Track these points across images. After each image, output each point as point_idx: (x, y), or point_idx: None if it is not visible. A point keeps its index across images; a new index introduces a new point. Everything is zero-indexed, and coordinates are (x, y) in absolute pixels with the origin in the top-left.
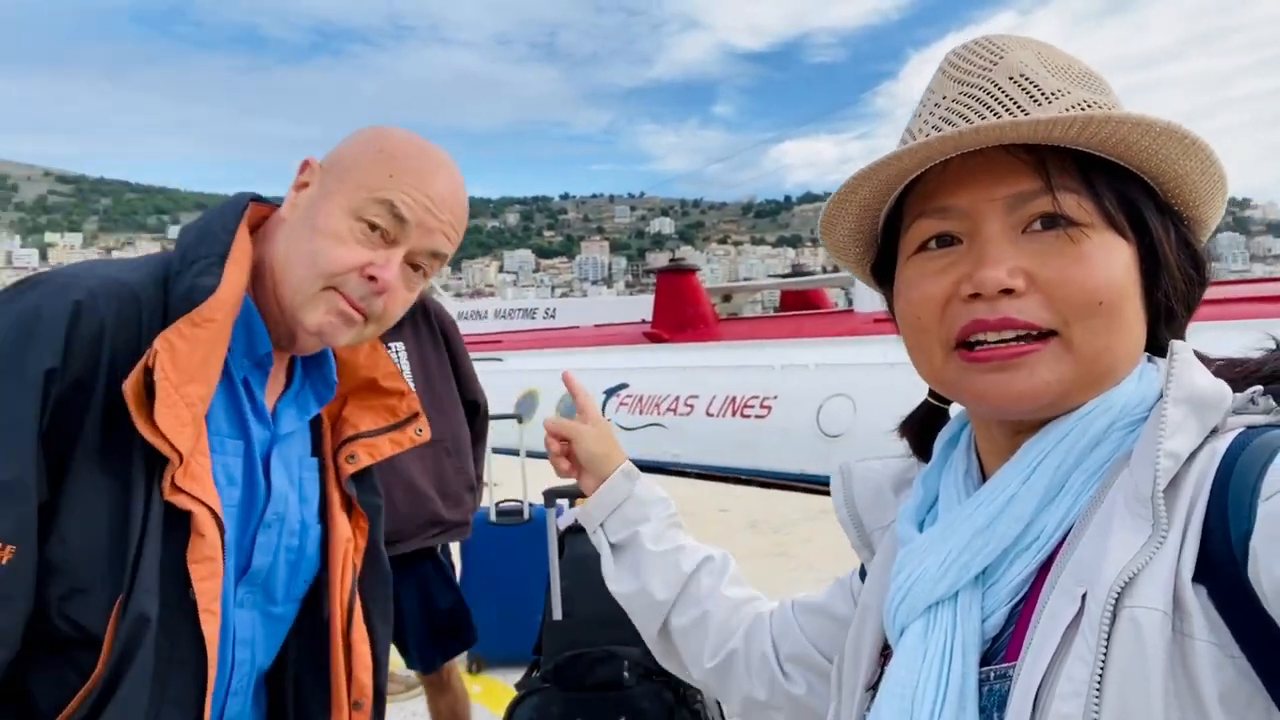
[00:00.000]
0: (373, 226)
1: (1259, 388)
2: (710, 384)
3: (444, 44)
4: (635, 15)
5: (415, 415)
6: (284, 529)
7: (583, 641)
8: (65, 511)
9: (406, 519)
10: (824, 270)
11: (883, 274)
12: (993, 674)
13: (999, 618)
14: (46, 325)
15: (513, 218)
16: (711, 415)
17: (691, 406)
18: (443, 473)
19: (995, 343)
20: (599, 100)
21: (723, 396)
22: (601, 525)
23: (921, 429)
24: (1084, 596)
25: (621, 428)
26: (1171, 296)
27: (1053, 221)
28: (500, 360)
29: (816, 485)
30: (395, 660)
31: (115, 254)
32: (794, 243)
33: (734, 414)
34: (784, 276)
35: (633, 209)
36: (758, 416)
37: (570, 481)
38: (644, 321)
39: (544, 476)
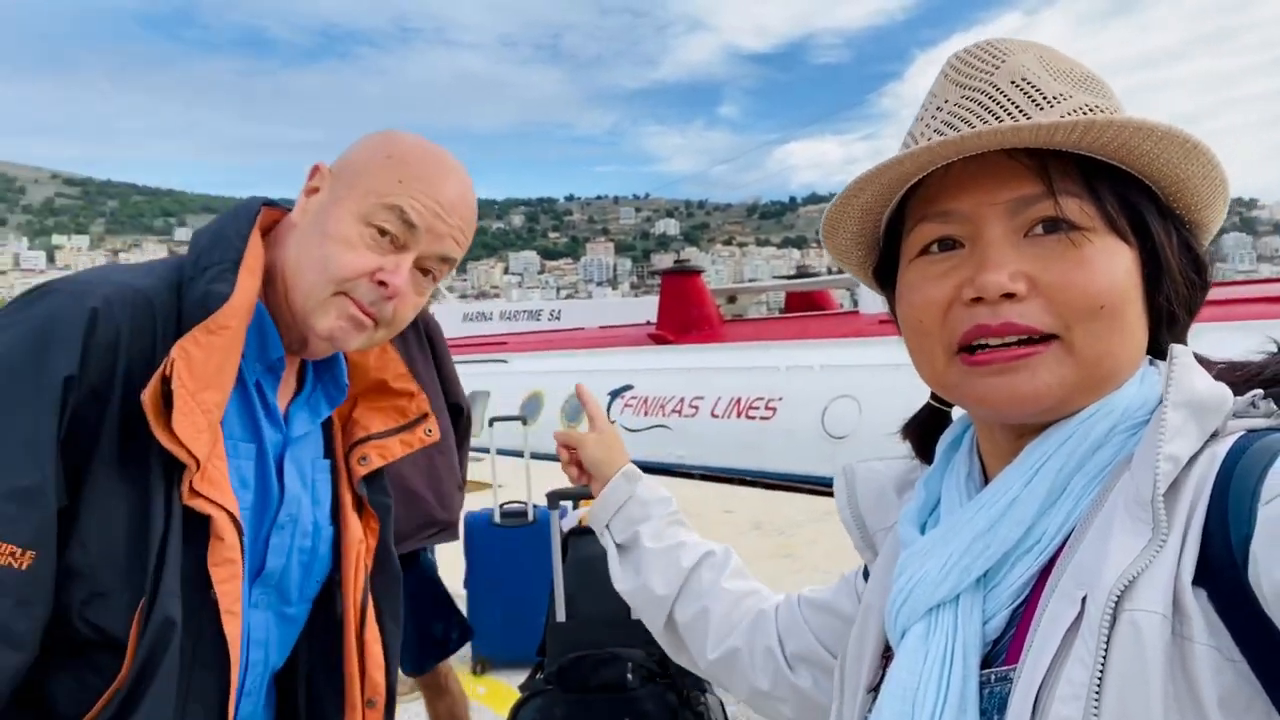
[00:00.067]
0: (382, 232)
1: (1259, 391)
2: (715, 385)
3: (449, 46)
4: (640, 17)
5: (425, 416)
6: (297, 530)
7: (586, 643)
8: (85, 517)
9: (402, 520)
10: (829, 271)
11: (885, 277)
12: (994, 676)
13: (1000, 620)
14: (64, 332)
15: (518, 219)
16: (716, 417)
17: (696, 408)
18: (435, 473)
19: (997, 346)
20: (604, 102)
21: (728, 398)
22: (607, 527)
23: (924, 431)
24: (1084, 599)
25: (626, 429)
26: (1173, 300)
27: (1054, 225)
28: (505, 362)
29: (821, 486)
30: None
31: (122, 256)
32: (799, 244)
33: (739, 415)
34: (789, 278)
35: (638, 210)
36: (763, 418)
37: (572, 484)
38: (649, 323)
39: (548, 478)
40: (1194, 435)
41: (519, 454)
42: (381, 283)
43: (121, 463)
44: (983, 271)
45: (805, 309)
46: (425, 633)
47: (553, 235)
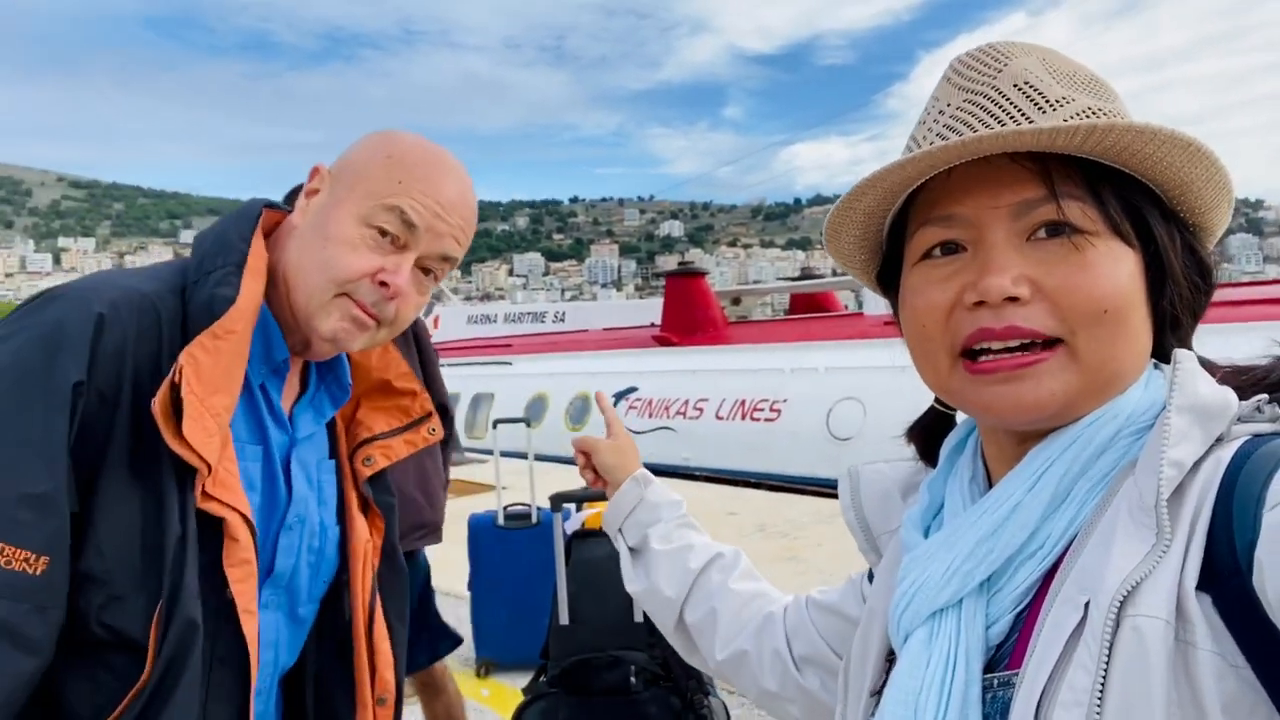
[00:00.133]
0: (383, 232)
1: (1265, 396)
2: (720, 387)
3: (453, 48)
4: (644, 18)
5: (428, 415)
6: (305, 531)
7: (589, 646)
8: (100, 523)
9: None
10: (834, 273)
11: (889, 281)
12: (996, 681)
13: (1003, 625)
14: (71, 338)
15: (522, 221)
16: (721, 418)
17: (701, 410)
18: (425, 474)
19: (1000, 351)
20: (608, 103)
21: (732, 400)
22: (620, 530)
23: (928, 434)
24: (1087, 605)
25: (631, 431)
26: (1177, 304)
27: (1057, 229)
28: (510, 364)
29: (826, 489)
30: None
31: (128, 258)
32: (804, 245)
33: (743, 417)
34: (793, 279)
35: (642, 212)
36: (767, 419)
37: (575, 487)
38: (653, 325)
39: (552, 480)
40: (1198, 440)
41: (523, 456)
42: (383, 283)
43: (132, 467)
44: (985, 275)
45: (810, 311)
46: (419, 633)
47: (557, 237)
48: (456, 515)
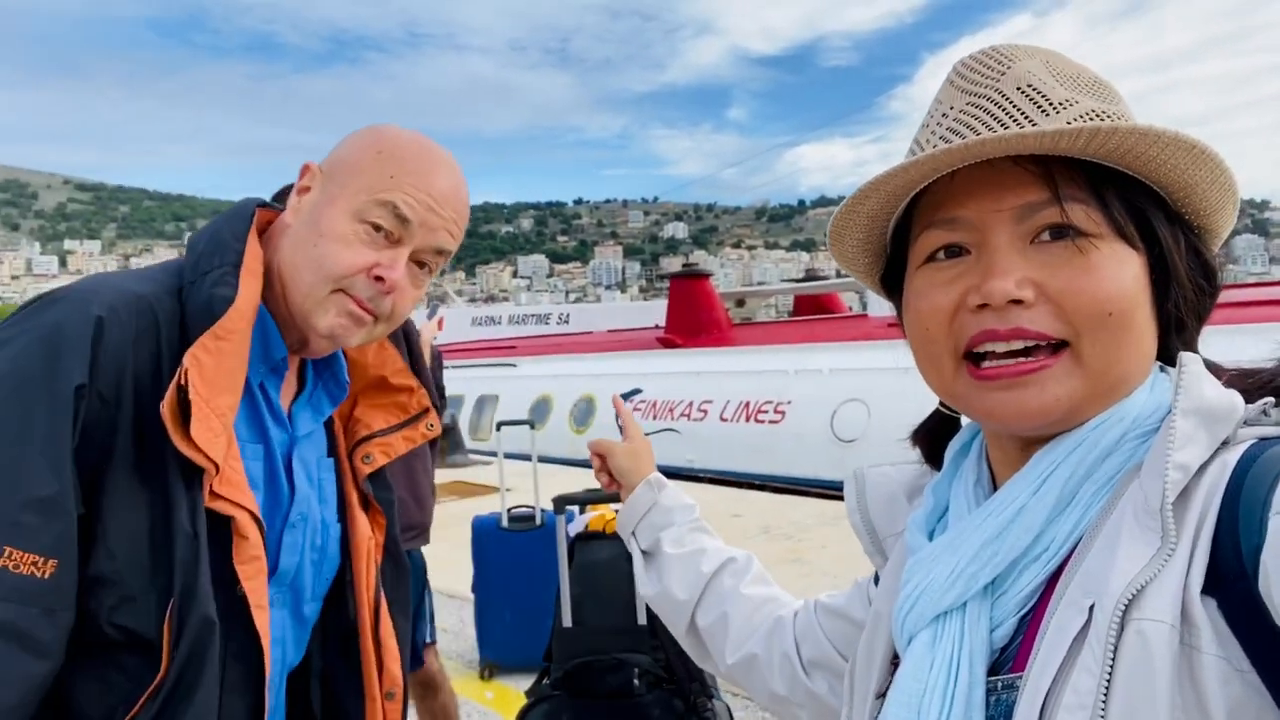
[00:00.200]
0: (376, 228)
1: (1270, 399)
2: (724, 389)
3: (458, 50)
4: (649, 20)
5: (426, 410)
6: (308, 529)
7: (592, 649)
8: (109, 525)
9: None
10: (838, 275)
11: (892, 284)
12: (1000, 684)
13: (1008, 628)
14: (71, 341)
15: (526, 223)
16: (725, 420)
17: (705, 412)
18: (414, 476)
19: (1004, 354)
20: (612, 105)
21: (736, 401)
22: (633, 533)
23: (933, 437)
24: (1091, 608)
25: None
26: (1182, 307)
27: (1061, 232)
28: (514, 366)
29: (830, 490)
30: None
31: (134, 261)
32: (808, 247)
33: (748, 419)
34: (798, 281)
35: (646, 214)
36: (771, 421)
37: (579, 489)
38: (657, 327)
39: (556, 482)
40: (1204, 443)
41: (527, 458)
42: (379, 278)
43: (138, 469)
44: (989, 278)
45: (814, 312)
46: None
47: (561, 239)
48: (460, 517)
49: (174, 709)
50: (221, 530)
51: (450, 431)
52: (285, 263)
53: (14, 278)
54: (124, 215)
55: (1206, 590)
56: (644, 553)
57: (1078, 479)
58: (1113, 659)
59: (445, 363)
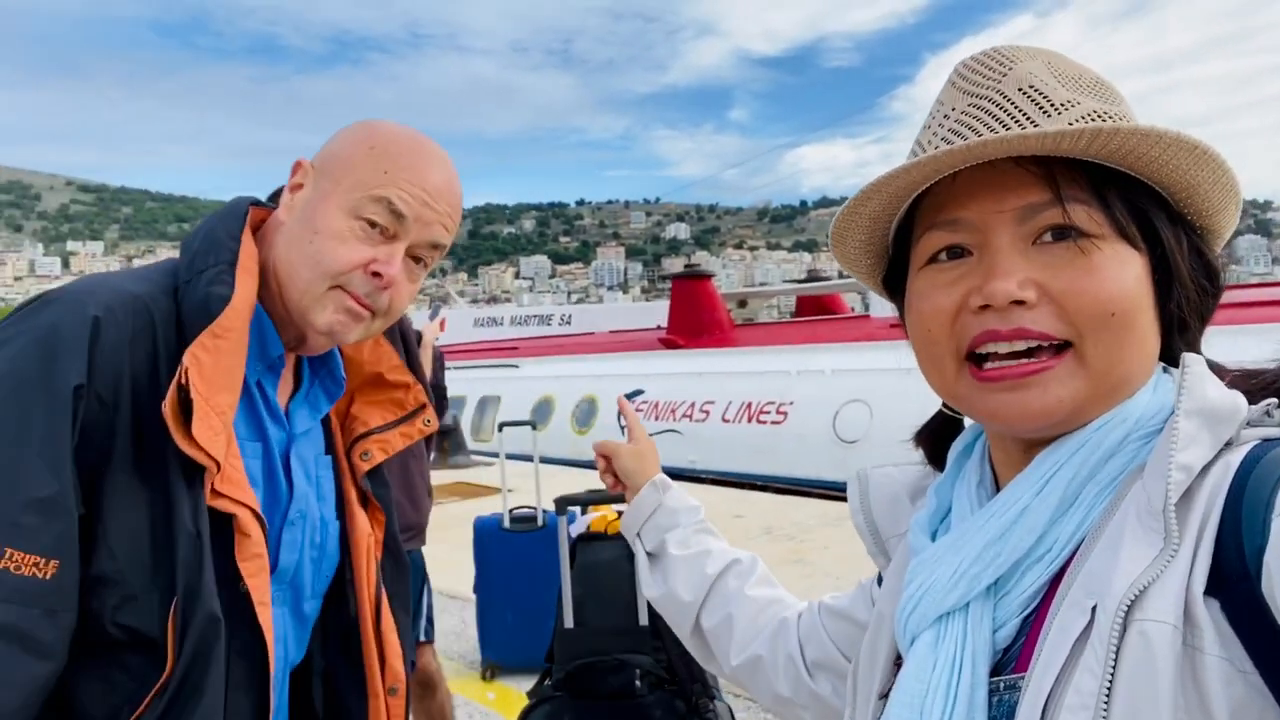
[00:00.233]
0: (372, 224)
1: (1274, 400)
2: (726, 390)
3: (461, 52)
4: (651, 22)
5: (423, 406)
6: (306, 526)
7: (594, 650)
8: (110, 525)
9: None
10: (840, 275)
11: (895, 285)
12: (1003, 684)
13: (1010, 629)
14: (69, 342)
15: (529, 224)
16: (727, 421)
17: (707, 412)
18: (409, 477)
19: (1006, 356)
20: (615, 106)
21: (738, 402)
22: (638, 535)
23: (936, 438)
24: (1094, 609)
25: None
26: (1184, 308)
27: (1063, 233)
28: (516, 367)
29: (832, 491)
30: None
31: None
32: (810, 248)
33: (750, 420)
34: (800, 281)
35: (648, 214)
36: (774, 422)
37: (581, 489)
38: (659, 327)
39: (558, 483)
40: (1207, 444)
41: (529, 459)
42: (376, 274)
43: (137, 468)
44: (991, 279)
45: (816, 313)
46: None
47: (564, 240)
48: (462, 518)
49: (180, 707)
50: (223, 528)
51: (452, 432)
52: (281, 260)
53: (17, 279)
54: (126, 217)
55: (1209, 591)
56: (649, 554)
57: (1081, 480)
58: (1115, 660)
59: (447, 364)
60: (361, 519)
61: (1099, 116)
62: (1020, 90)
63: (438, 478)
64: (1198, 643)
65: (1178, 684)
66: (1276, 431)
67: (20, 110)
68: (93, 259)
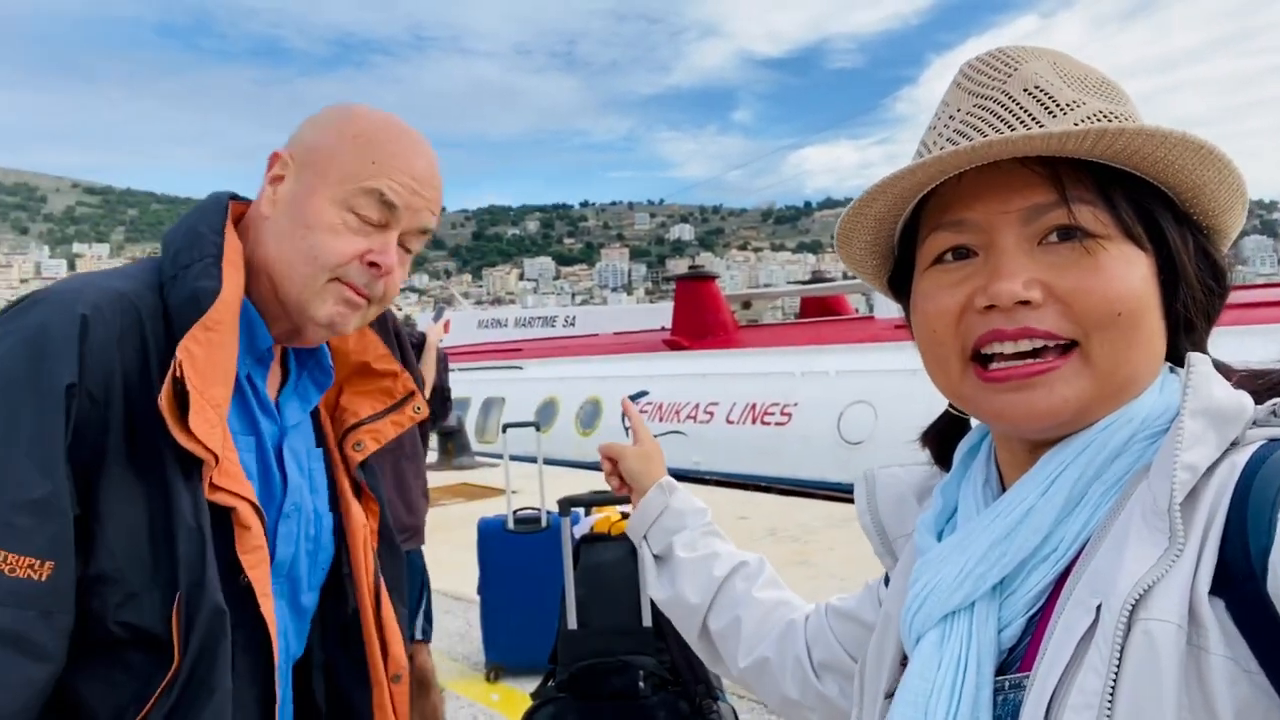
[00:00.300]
0: (363, 216)
1: None
2: (730, 391)
3: (464, 54)
4: (654, 23)
5: (412, 394)
6: (301, 519)
7: (597, 651)
8: (108, 523)
9: None
10: (844, 276)
11: (901, 286)
12: (1008, 683)
13: (1016, 628)
14: (58, 341)
15: (533, 225)
16: (732, 422)
17: (711, 414)
18: (402, 479)
19: (1012, 356)
20: (618, 108)
21: (743, 404)
22: (644, 537)
23: (942, 439)
24: (1099, 608)
25: None
26: (1191, 308)
27: (1069, 233)
28: (520, 368)
29: (837, 492)
30: None
31: None
32: (814, 249)
33: (754, 421)
34: (804, 283)
35: (652, 216)
36: (778, 423)
37: (585, 491)
38: (664, 329)
39: (562, 484)
40: (1213, 444)
41: (533, 460)
42: (372, 264)
43: (133, 465)
44: (996, 280)
45: (820, 314)
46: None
47: (568, 241)
48: (466, 519)
49: (189, 704)
50: (221, 522)
51: (456, 434)
52: (273, 256)
53: (23, 281)
54: (132, 218)
55: (1215, 591)
56: (656, 557)
57: (1086, 480)
58: (1119, 659)
59: (451, 365)
60: (357, 510)
61: (1104, 117)
62: (1025, 91)
63: (442, 479)
64: (1202, 642)
65: (1182, 683)
66: None
67: (26, 112)
68: (98, 261)
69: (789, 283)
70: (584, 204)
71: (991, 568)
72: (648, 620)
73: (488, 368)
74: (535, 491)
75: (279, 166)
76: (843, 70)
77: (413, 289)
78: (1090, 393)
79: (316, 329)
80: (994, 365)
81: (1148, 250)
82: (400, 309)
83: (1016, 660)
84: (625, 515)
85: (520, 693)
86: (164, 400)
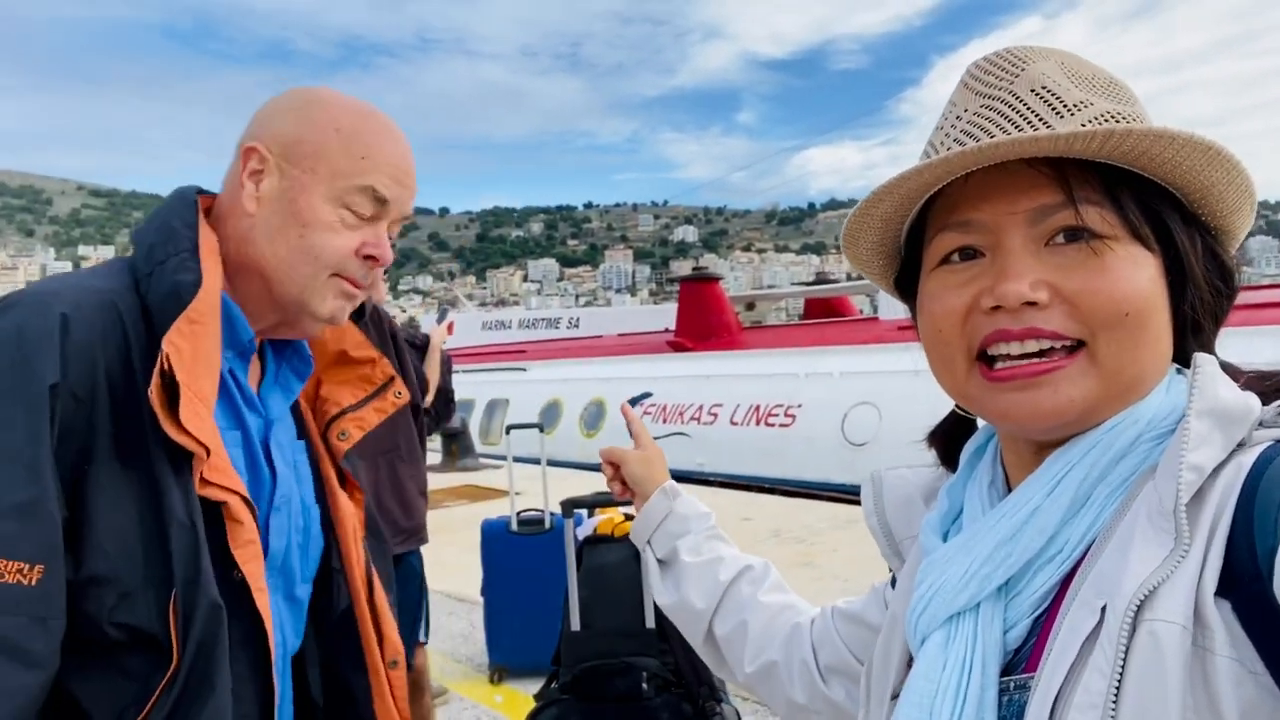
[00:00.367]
0: (356, 211)
1: None
2: (734, 393)
3: (469, 56)
4: (659, 25)
5: (391, 379)
6: (291, 511)
7: (601, 652)
8: (98, 524)
9: None
10: (848, 277)
11: (907, 286)
12: (1013, 684)
13: (1022, 629)
14: (39, 342)
15: (537, 227)
16: (735, 424)
17: (715, 415)
18: (399, 482)
19: (1018, 357)
20: (623, 109)
21: (747, 405)
22: (648, 542)
23: (949, 439)
24: (1104, 609)
25: None
26: (1198, 309)
27: (1076, 234)
28: (524, 370)
29: (841, 494)
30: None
31: None
32: (818, 250)
33: (758, 423)
34: (808, 284)
35: (656, 217)
36: (782, 425)
37: (589, 492)
38: (667, 330)
39: (566, 486)
40: (1219, 445)
41: (536, 461)
42: (369, 256)
43: (121, 464)
44: (1003, 281)
45: (824, 315)
46: (410, 637)
47: (572, 243)
48: (470, 521)
49: (190, 701)
50: (213, 518)
51: (460, 435)
52: (267, 255)
53: (29, 283)
54: (137, 221)
55: (1220, 592)
56: (660, 561)
57: (1092, 481)
58: (1124, 660)
59: (455, 367)
60: (345, 500)
61: (1112, 118)
62: (1033, 91)
63: (446, 481)
64: (1208, 643)
65: (1187, 684)
66: None
67: (31, 115)
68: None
69: (793, 284)
70: (588, 205)
71: (997, 568)
72: (651, 622)
73: (492, 369)
74: (539, 493)
75: (256, 161)
76: (846, 71)
77: (417, 291)
78: (1096, 393)
79: (314, 323)
80: (999, 365)
81: (1155, 251)
82: (405, 311)
83: (1022, 661)
84: (629, 517)
85: (523, 694)
86: (154, 394)
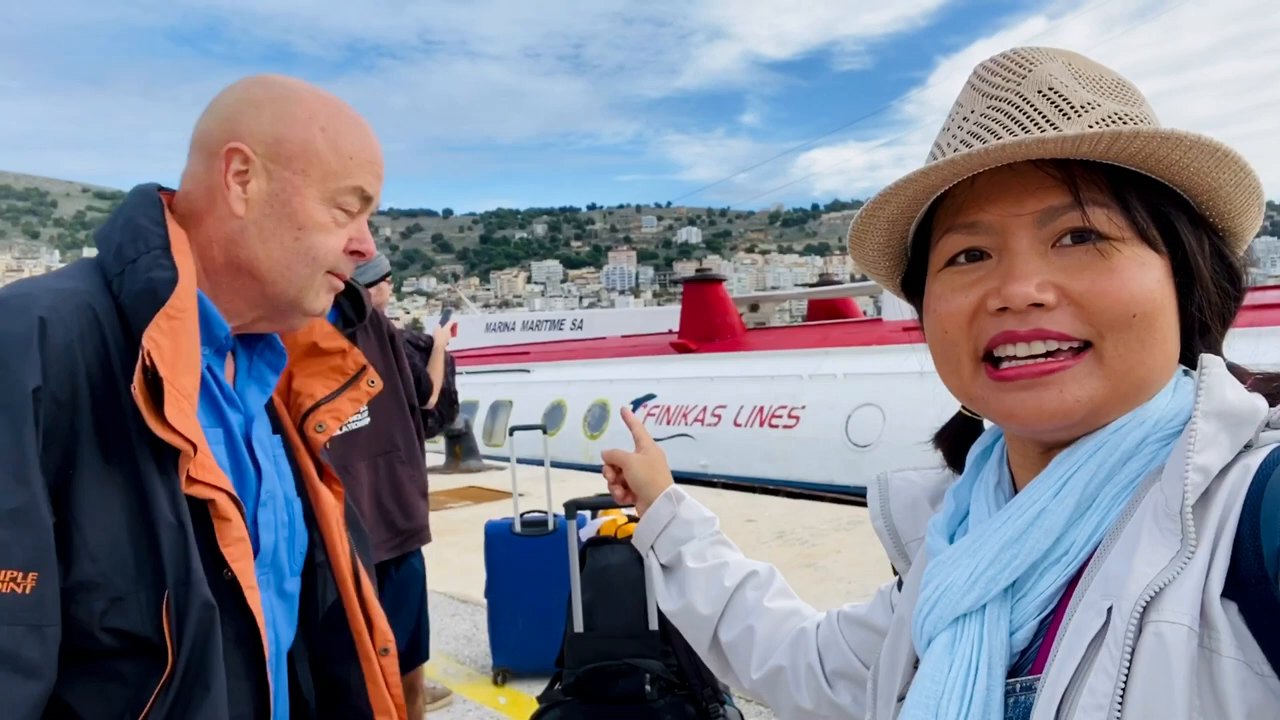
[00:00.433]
0: (347, 210)
1: None
2: (738, 394)
3: (472, 58)
4: (662, 26)
5: (364, 369)
6: (277, 505)
7: (604, 654)
8: (87, 528)
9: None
10: (852, 279)
11: (913, 288)
12: (1019, 686)
13: (1028, 631)
14: (17, 346)
15: (540, 228)
16: (739, 425)
17: (719, 417)
18: (398, 482)
19: (1025, 359)
20: (626, 111)
21: (750, 406)
22: (652, 548)
23: (955, 441)
24: (1110, 610)
25: None
26: (1205, 310)
27: (1083, 236)
28: (528, 371)
29: (845, 496)
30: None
31: None
32: (822, 251)
33: (762, 424)
34: (811, 285)
35: (660, 219)
36: (786, 426)
37: (591, 493)
38: (671, 332)
39: (569, 487)
40: (1225, 446)
41: (540, 463)
42: (356, 251)
43: (106, 465)
44: (1009, 282)
45: (828, 317)
46: (415, 638)
47: (575, 244)
48: (473, 523)
49: (185, 703)
50: (200, 516)
51: (464, 437)
52: (260, 257)
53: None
54: None
55: (1227, 593)
56: (663, 566)
57: (1098, 482)
58: (1130, 661)
59: (459, 368)
60: (326, 493)
61: (1119, 119)
62: (1040, 92)
63: (449, 482)
64: (1214, 645)
65: (1193, 685)
66: None
67: (36, 118)
68: None
69: (796, 285)
70: (591, 207)
71: (1003, 570)
72: (654, 623)
73: (495, 371)
74: (542, 494)
75: (240, 162)
76: (850, 72)
77: (421, 292)
78: (1102, 394)
79: (304, 319)
80: (1005, 365)
81: (1162, 253)
82: (409, 312)
83: (1028, 663)
84: (632, 518)
85: (527, 696)
86: (137, 390)
